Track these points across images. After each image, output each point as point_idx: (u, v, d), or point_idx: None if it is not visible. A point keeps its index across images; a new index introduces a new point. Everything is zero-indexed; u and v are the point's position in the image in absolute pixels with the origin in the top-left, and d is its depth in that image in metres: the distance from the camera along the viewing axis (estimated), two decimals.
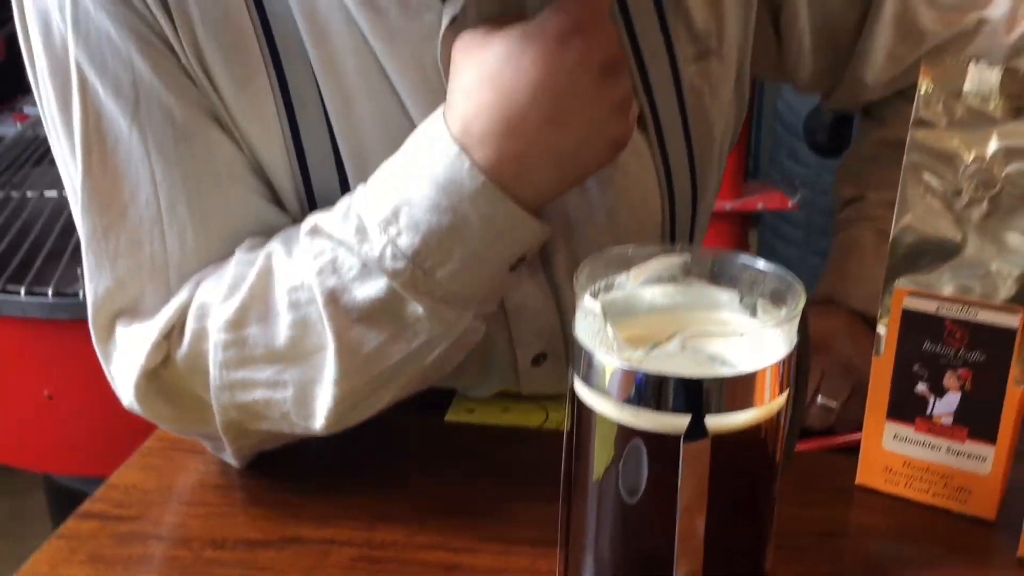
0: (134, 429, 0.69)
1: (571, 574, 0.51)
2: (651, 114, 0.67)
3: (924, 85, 0.58)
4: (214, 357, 0.59)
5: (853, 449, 0.65)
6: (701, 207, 0.73)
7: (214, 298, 0.59)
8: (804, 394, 0.54)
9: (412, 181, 0.55)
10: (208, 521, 0.62)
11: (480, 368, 0.72)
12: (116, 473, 0.66)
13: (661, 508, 0.45)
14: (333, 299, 0.57)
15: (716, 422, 0.44)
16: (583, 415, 0.47)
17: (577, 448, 0.49)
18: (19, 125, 1.92)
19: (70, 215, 0.63)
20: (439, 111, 0.57)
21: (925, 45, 0.73)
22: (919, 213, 0.59)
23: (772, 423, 0.47)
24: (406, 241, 0.55)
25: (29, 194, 1.58)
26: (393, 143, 0.58)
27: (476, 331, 0.61)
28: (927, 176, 0.59)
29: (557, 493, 0.51)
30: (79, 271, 1.33)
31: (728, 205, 2.03)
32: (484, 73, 0.55)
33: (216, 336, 0.59)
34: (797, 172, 2.18)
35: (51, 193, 1.57)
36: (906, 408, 0.61)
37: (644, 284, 0.50)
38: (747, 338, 0.47)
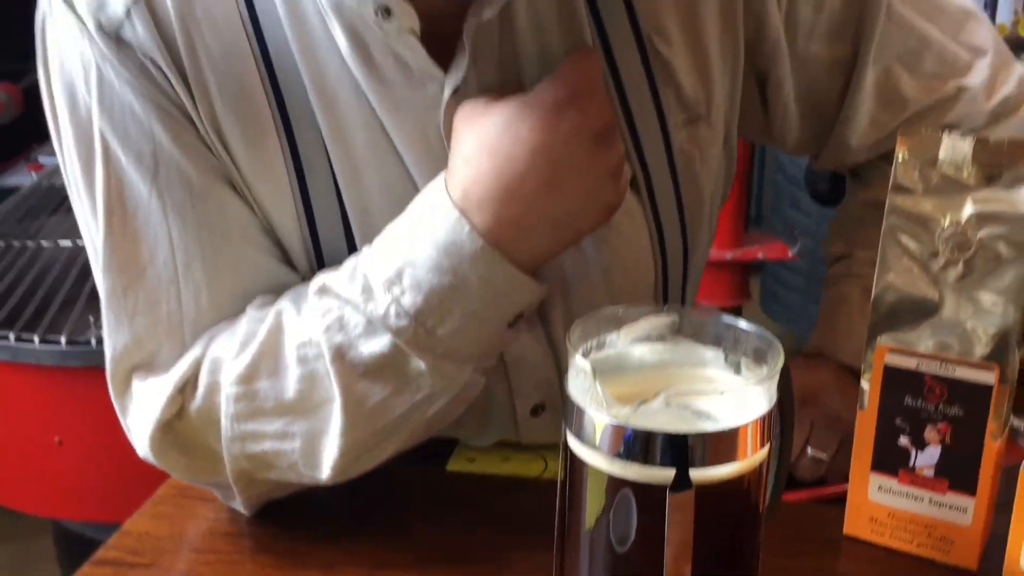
0: (142, 475, 0.70)
1: None
2: (643, 177, 0.69)
3: (901, 153, 0.61)
4: (226, 409, 0.62)
5: (842, 500, 0.66)
6: (692, 263, 0.75)
7: (227, 353, 0.62)
8: (789, 447, 0.55)
9: (415, 243, 0.58)
10: (217, 568, 0.64)
11: (480, 419, 0.73)
12: (129, 520, 0.68)
13: (650, 556, 0.47)
14: (340, 355, 0.59)
15: (700, 475, 0.46)
16: (575, 467, 0.49)
17: (570, 498, 0.51)
18: (34, 175, 1.94)
19: (84, 264, 0.65)
20: (441, 177, 0.59)
21: (907, 111, 0.75)
22: (898, 273, 0.61)
23: (754, 475, 0.49)
24: (409, 300, 0.58)
25: (44, 243, 1.61)
26: (398, 207, 0.61)
27: (476, 385, 0.63)
28: (905, 239, 0.61)
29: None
30: (91, 319, 1.35)
31: (729, 255, 2.05)
32: (484, 142, 0.58)
33: (228, 389, 0.61)
34: (799, 221, 2.20)
35: (66, 242, 1.59)
36: (889, 460, 0.63)
37: (634, 342, 0.53)
38: (729, 395, 0.49)
